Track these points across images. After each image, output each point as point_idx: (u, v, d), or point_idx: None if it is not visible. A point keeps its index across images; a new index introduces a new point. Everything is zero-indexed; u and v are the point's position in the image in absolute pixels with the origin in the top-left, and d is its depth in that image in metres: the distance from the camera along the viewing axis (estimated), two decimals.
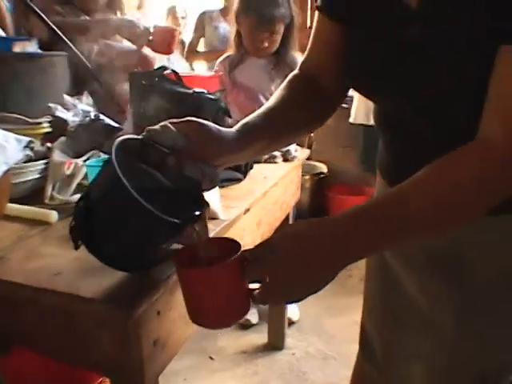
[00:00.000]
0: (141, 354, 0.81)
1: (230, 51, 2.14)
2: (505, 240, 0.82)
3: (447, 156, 0.67)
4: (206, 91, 1.46)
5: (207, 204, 0.75)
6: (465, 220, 0.69)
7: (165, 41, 1.92)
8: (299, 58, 2.10)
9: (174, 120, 0.76)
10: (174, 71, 1.53)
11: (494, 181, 0.67)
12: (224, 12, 3.21)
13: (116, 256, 0.76)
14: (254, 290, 0.70)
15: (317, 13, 0.92)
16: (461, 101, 0.72)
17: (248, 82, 2.03)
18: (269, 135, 0.84)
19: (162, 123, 0.75)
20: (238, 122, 0.83)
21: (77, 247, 0.76)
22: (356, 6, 0.84)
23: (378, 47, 0.80)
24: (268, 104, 0.87)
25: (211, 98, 1.42)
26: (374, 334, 1.14)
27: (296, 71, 0.95)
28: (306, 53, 0.96)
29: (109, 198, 0.71)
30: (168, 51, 2.03)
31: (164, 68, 1.49)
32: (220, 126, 0.78)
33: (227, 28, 3.13)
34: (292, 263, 0.65)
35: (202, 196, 0.76)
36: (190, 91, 1.45)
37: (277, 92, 0.91)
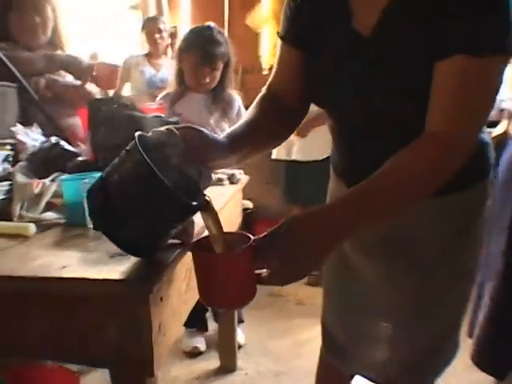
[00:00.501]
0: (150, 338, 0.86)
1: (169, 89, 2.26)
2: (441, 217, 1.00)
3: (404, 150, 0.84)
4: (163, 115, 1.55)
5: (209, 199, 0.85)
6: (425, 195, 0.86)
7: (108, 77, 2.00)
8: (234, 95, 2.27)
9: (176, 126, 0.87)
10: (129, 100, 1.61)
11: (442, 163, 0.84)
12: (149, 56, 3.36)
13: (134, 237, 0.83)
14: (260, 274, 0.81)
15: (279, 40, 1.09)
16: (407, 106, 0.91)
17: (188, 115, 2.13)
18: (251, 143, 0.98)
19: (167, 127, 0.85)
20: None
21: (96, 228, 0.82)
22: (313, 34, 1.01)
23: (335, 70, 0.98)
24: (246, 118, 1.01)
25: (171, 122, 1.52)
26: (337, 326, 1.26)
27: (264, 92, 1.10)
28: (271, 76, 1.11)
29: (134, 181, 0.79)
30: (110, 87, 2.11)
31: (121, 97, 1.58)
32: None
33: (153, 72, 3.26)
34: (297, 247, 0.77)
35: (203, 192, 0.86)
36: (150, 116, 1.54)
37: (250, 109, 1.05)
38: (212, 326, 2.35)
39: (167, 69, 3.33)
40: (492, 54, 0.81)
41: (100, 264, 0.91)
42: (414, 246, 1.03)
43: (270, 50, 4.03)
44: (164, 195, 0.77)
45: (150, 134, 0.85)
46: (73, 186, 1.22)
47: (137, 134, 0.81)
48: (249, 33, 3.81)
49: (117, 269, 0.87)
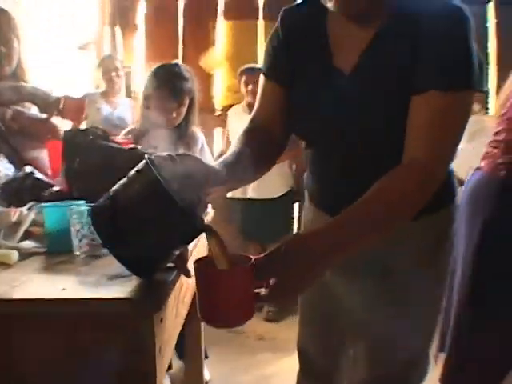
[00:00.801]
0: (154, 360, 0.86)
1: (133, 125, 2.28)
2: (413, 238, 1.07)
3: (386, 177, 0.91)
4: (140, 147, 1.57)
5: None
6: (408, 216, 0.93)
7: (75, 110, 1.99)
8: (198, 132, 2.32)
9: (177, 152, 0.90)
10: (104, 131, 1.62)
11: (421, 189, 0.92)
12: (105, 94, 3.37)
13: (141, 256, 0.84)
14: (259, 293, 0.84)
15: (262, 76, 1.15)
16: (385, 137, 0.99)
17: (153, 152, 2.16)
18: (242, 172, 1.01)
19: (166, 153, 0.89)
20: None
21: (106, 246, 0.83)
22: (296, 71, 1.09)
23: (318, 105, 1.05)
24: (234, 150, 1.05)
25: (147, 153, 1.54)
26: (315, 350, 1.29)
27: (248, 125, 1.14)
28: (254, 110, 1.17)
29: (145, 201, 0.81)
30: (77, 120, 2.10)
31: (97, 128, 1.58)
32: None
33: (109, 110, 3.28)
34: (294, 266, 0.81)
35: (201, 217, 0.90)
36: (126, 148, 1.56)
37: (236, 142, 1.09)
38: (176, 363, 2.31)
39: (124, 107, 3.37)
40: (462, 90, 0.91)
41: (100, 286, 0.90)
42: (389, 267, 1.09)
43: (222, 92, 4.16)
44: (176, 216, 0.79)
45: (153, 157, 0.87)
46: (56, 214, 1.21)
47: (146, 156, 0.84)
48: (202, 74, 3.90)
49: (120, 289, 0.86)
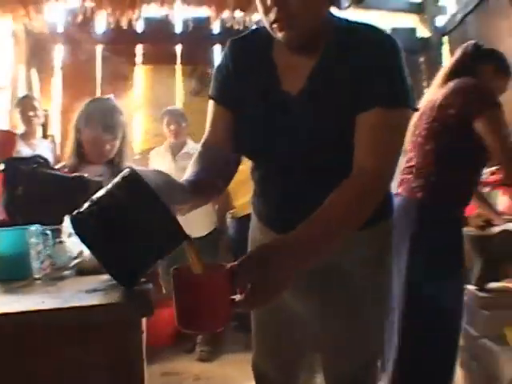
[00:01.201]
0: (143, 368, 0.84)
1: (65, 160, 2.22)
2: (360, 247, 1.13)
3: (339, 188, 0.97)
4: (86, 174, 1.55)
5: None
6: (362, 219, 0.99)
7: (5, 143, 1.91)
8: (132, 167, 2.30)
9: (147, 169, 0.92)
10: (46, 160, 1.58)
11: (369, 195, 1.00)
12: (23, 135, 3.22)
13: (127, 264, 0.84)
14: (234, 299, 0.86)
15: (211, 102, 1.21)
16: (332, 154, 1.07)
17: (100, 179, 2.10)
18: (204, 189, 1.04)
19: (140, 169, 0.90)
20: None
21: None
22: (244, 95, 1.14)
23: (267, 127, 1.12)
24: (191, 171, 1.07)
25: (96, 181, 1.52)
26: (272, 366, 1.31)
27: (200, 149, 1.17)
28: (205, 135, 1.20)
29: (133, 209, 0.82)
30: (7, 153, 2.01)
31: (39, 156, 1.54)
32: None
33: (29, 152, 3.12)
34: (268, 272, 0.83)
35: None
36: (71, 176, 1.53)
37: (191, 164, 1.11)
38: None
39: (43, 149, 3.25)
40: (402, 107, 1.03)
41: (79, 298, 0.87)
42: (339, 277, 1.16)
43: (141, 136, 4.15)
44: (163, 220, 0.81)
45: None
46: (10, 237, 1.15)
47: (128, 168, 0.85)
48: None
49: (107, 297, 0.85)
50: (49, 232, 1.12)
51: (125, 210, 0.82)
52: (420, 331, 1.78)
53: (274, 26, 1.02)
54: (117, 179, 0.86)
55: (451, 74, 1.94)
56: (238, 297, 0.86)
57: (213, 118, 1.20)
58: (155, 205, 0.80)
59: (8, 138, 1.90)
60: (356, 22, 1.11)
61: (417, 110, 1.11)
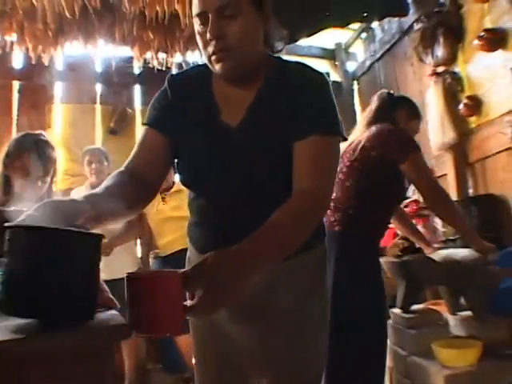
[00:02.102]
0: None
1: None
2: (293, 277, 1.18)
3: (281, 207, 1.01)
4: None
5: None
6: (305, 236, 1.03)
7: None
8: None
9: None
10: None
11: (309, 214, 1.05)
12: None
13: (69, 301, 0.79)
14: (186, 306, 0.87)
15: (143, 127, 1.21)
16: (270, 181, 1.13)
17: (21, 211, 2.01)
18: (109, 208, 1.01)
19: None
20: None
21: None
22: (185, 127, 1.17)
23: (206, 156, 1.16)
24: (103, 186, 1.06)
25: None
26: None
27: (122, 169, 1.15)
28: (131, 156, 1.18)
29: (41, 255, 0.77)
30: None
31: None
32: None
33: None
34: (220, 276, 0.86)
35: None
36: None
37: (106, 181, 1.09)
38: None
39: None
40: (334, 135, 1.13)
41: (36, 329, 0.81)
42: (273, 307, 1.18)
43: (60, 175, 3.99)
44: (78, 243, 0.80)
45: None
46: None
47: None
48: None
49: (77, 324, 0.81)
50: None
51: (37, 261, 0.76)
52: (346, 358, 1.84)
53: (213, 57, 1.09)
54: (5, 246, 0.79)
55: (372, 121, 2.12)
56: (189, 302, 0.87)
57: (142, 142, 1.20)
58: (54, 235, 0.77)
59: None
60: (289, 60, 1.21)
61: (346, 139, 1.18)
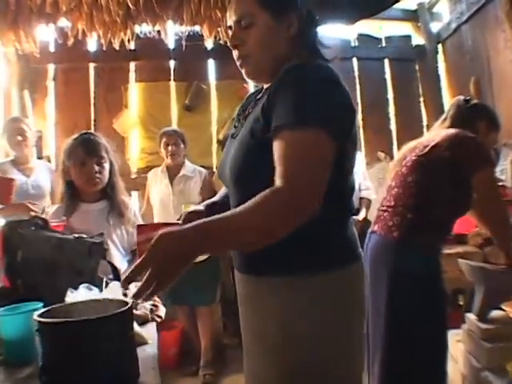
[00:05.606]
0: None
1: (58, 203, 2.20)
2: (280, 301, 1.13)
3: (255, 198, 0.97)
4: (85, 235, 1.54)
5: None
6: (259, 234, 0.98)
7: (2, 191, 1.88)
8: (128, 201, 2.29)
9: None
10: (45, 220, 1.57)
11: (282, 207, 0.97)
12: (15, 162, 3.06)
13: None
14: None
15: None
16: (257, 172, 1.08)
17: (86, 227, 2.05)
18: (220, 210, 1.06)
19: None
20: None
21: None
22: None
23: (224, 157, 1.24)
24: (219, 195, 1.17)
25: (96, 242, 1.51)
26: None
27: None
28: None
29: None
30: (5, 201, 1.97)
31: (35, 217, 1.53)
32: None
33: (23, 178, 2.98)
34: (163, 253, 0.88)
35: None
36: (71, 237, 1.51)
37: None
38: None
39: (41, 172, 3.14)
40: (312, 128, 1.01)
41: None
42: (262, 333, 1.16)
43: (137, 154, 4.11)
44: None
45: None
46: (14, 321, 1.15)
47: None
48: (116, 137, 3.85)
49: None
50: None
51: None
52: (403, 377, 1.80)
53: (237, 63, 1.22)
54: None
55: (452, 127, 2.01)
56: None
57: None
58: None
59: (5, 184, 1.87)
60: (307, 62, 1.14)
61: (334, 131, 1.04)
